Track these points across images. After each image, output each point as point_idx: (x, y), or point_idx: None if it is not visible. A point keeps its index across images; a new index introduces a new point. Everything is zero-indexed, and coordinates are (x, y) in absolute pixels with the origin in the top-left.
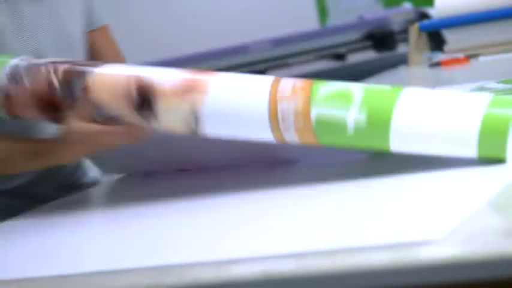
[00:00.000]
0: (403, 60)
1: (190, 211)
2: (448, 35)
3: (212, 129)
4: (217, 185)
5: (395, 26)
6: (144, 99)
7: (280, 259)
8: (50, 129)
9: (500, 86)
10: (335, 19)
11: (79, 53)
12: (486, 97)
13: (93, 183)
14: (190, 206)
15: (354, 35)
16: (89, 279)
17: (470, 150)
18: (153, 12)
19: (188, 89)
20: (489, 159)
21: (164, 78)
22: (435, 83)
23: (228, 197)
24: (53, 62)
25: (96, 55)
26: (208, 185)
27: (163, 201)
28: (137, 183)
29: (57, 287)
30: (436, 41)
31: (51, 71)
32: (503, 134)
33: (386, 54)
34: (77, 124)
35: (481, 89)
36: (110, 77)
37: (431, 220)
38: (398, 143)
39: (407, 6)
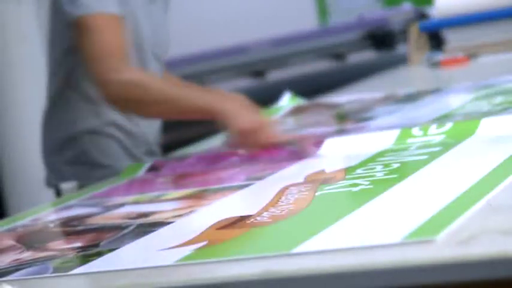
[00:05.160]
0: (403, 60)
1: None
2: (448, 35)
3: None
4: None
5: (395, 26)
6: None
7: (280, 258)
8: None
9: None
10: (335, 19)
11: None
12: None
13: None
14: None
15: (354, 35)
16: (89, 279)
17: None
18: None
19: None
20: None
21: None
22: (435, 83)
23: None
24: None
25: None
26: None
27: None
28: None
29: (57, 287)
30: (436, 41)
31: None
32: None
33: (386, 54)
34: None
35: (489, 87)
36: None
37: (430, 221)
38: None
39: (407, 6)
